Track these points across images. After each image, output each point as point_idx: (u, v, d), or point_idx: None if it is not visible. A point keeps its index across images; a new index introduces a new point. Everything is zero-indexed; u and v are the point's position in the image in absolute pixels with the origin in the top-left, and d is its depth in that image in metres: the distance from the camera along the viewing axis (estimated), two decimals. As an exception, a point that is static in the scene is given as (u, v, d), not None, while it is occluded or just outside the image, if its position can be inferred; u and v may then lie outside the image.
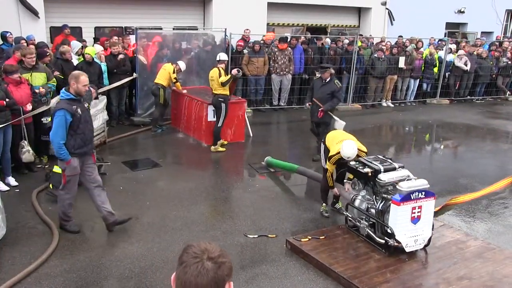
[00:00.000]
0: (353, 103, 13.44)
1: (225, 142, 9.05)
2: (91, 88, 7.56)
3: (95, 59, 9.62)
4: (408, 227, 4.93)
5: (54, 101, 7.40)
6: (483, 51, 15.24)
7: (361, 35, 14.98)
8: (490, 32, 19.95)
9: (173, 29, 12.68)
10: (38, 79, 7.54)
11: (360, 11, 17.10)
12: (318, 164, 7.43)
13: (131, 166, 7.96)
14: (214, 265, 1.57)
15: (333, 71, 8.78)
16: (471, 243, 5.39)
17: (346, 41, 13.53)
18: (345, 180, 5.90)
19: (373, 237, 5.16)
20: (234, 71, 8.78)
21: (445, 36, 17.78)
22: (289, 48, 12.30)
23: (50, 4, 11.60)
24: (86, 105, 5.37)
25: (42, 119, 7.49)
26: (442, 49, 14.88)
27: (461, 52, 14.61)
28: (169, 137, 9.93)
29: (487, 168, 8.63)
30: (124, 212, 5.92)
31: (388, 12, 16.89)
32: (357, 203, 5.53)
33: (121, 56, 10.12)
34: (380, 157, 5.50)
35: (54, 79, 8.04)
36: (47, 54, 8.64)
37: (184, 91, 10.18)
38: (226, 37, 11.68)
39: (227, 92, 8.72)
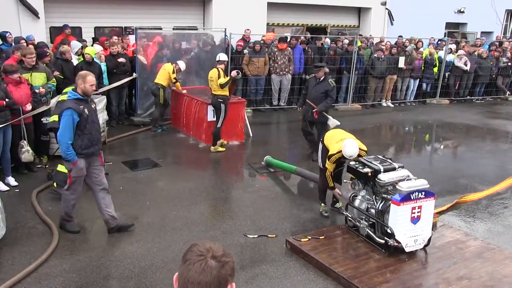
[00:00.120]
0: (353, 103, 13.43)
1: (225, 142, 9.05)
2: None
3: (95, 59, 9.62)
4: (408, 227, 4.93)
5: (54, 101, 7.40)
6: (484, 51, 15.25)
7: (360, 35, 14.98)
8: (490, 32, 19.96)
9: (173, 29, 12.68)
10: (38, 79, 7.54)
11: (360, 11, 17.10)
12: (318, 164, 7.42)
13: (131, 166, 7.96)
14: (217, 264, 1.60)
15: (327, 70, 8.74)
16: (471, 243, 5.39)
17: (346, 41, 13.52)
18: (344, 180, 5.90)
19: (373, 237, 5.16)
20: (234, 73, 8.75)
21: (445, 36, 17.79)
22: (289, 48, 12.29)
23: (50, 4, 11.60)
24: (93, 106, 5.37)
25: (42, 119, 7.49)
26: (442, 49, 14.89)
27: (461, 52, 14.61)
28: (169, 137, 9.93)
29: (487, 168, 8.64)
30: (124, 212, 5.94)
31: (388, 12, 16.89)
32: (357, 203, 5.53)
33: (121, 60, 10.13)
34: (380, 157, 5.50)
35: (54, 79, 8.04)
36: (47, 54, 8.65)
37: (184, 91, 10.18)
38: (226, 37, 11.68)
39: (227, 93, 8.70)
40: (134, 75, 10.59)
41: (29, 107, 7.00)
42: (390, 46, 13.83)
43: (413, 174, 5.20)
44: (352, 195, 5.61)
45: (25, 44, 9.25)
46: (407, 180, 5.04)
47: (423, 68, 14.15)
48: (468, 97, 15.44)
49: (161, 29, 12.46)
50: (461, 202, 6.71)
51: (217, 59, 8.86)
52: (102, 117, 8.65)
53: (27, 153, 7.00)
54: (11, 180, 6.84)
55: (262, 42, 12.35)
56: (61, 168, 6.08)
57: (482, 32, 19.66)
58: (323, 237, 5.37)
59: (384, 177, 5.07)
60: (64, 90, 6.77)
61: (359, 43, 13.25)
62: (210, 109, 9.02)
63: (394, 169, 5.21)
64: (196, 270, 1.58)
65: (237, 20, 12.70)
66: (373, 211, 5.27)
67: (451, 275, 4.70)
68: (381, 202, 5.21)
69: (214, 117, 8.89)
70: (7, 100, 6.56)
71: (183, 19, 13.76)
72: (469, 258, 5.03)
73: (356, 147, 5.45)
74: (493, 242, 5.53)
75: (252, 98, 12.25)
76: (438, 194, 5.87)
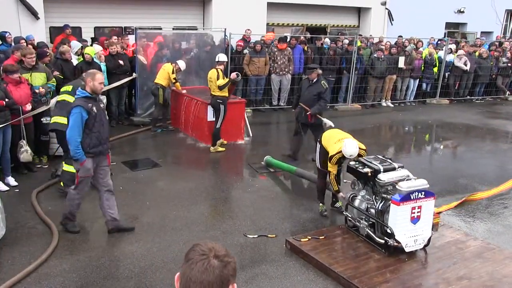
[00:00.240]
0: (352, 103, 13.44)
1: (225, 142, 9.05)
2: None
3: (94, 59, 9.62)
4: (407, 227, 4.93)
5: (53, 101, 7.40)
6: (484, 51, 15.24)
7: (360, 35, 14.99)
8: (489, 32, 19.97)
9: (173, 29, 12.68)
10: (38, 79, 7.54)
11: (359, 11, 17.11)
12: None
13: (131, 166, 7.96)
14: (220, 263, 1.60)
15: (320, 71, 8.69)
16: (471, 243, 5.39)
17: (346, 41, 13.53)
18: (344, 181, 5.89)
19: (373, 237, 5.16)
20: (233, 75, 8.67)
21: (444, 36, 17.80)
22: (289, 48, 12.30)
23: (50, 4, 11.60)
24: (101, 105, 5.38)
25: (42, 119, 7.49)
26: (442, 49, 14.89)
27: (460, 52, 14.62)
28: (169, 137, 9.93)
29: (487, 168, 8.64)
30: (124, 212, 5.93)
31: (388, 12, 16.90)
32: (356, 203, 5.53)
33: (121, 62, 10.13)
34: (380, 157, 5.50)
35: (54, 79, 8.04)
36: (47, 54, 8.64)
37: (184, 91, 10.18)
38: (226, 37, 11.67)
39: (226, 94, 8.67)
40: (134, 75, 10.59)
41: (29, 107, 7.00)
42: (390, 46, 13.84)
43: (413, 174, 5.20)
44: (352, 195, 5.61)
45: (25, 44, 9.25)
46: (407, 180, 5.04)
47: (423, 68, 14.15)
48: (468, 97, 15.45)
49: (161, 29, 12.46)
50: (470, 200, 6.72)
51: (217, 59, 8.82)
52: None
53: (25, 153, 7.00)
54: (11, 180, 6.84)
55: (262, 42, 12.35)
56: (67, 167, 6.09)
57: (482, 32, 19.67)
58: (323, 237, 5.37)
59: (384, 177, 5.07)
60: (62, 89, 6.77)
61: (359, 43, 13.25)
62: (210, 109, 9.00)
63: (394, 169, 5.21)
64: (198, 269, 1.58)
65: (237, 20, 12.69)
66: (373, 211, 5.27)
67: (451, 275, 4.70)
68: (381, 202, 5.21)
69: (213, 117, 8.89)
70: (7, 100, 6.56)
71: (183, 19, 13.76)
72: (469, 258, 5.03)
73: (356, 146, 5.46)
74: (493, 242, 5.53)
75: (252, 98, 12.24)
76: (438, 194, 5.88)
